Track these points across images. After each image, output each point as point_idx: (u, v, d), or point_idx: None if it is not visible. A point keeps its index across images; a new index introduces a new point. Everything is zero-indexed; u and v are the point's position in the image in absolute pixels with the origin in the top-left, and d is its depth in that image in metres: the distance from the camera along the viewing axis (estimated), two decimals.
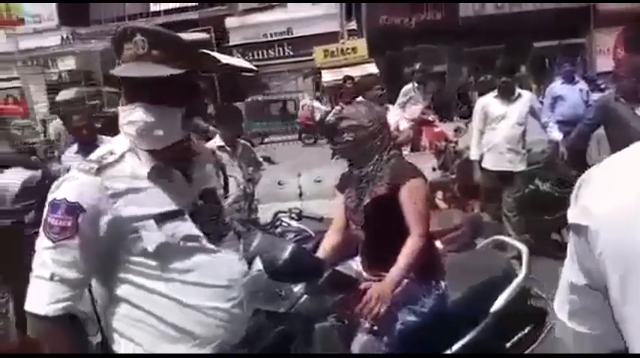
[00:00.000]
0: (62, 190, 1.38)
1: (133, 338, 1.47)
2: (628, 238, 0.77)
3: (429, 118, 7.52)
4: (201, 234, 1.48)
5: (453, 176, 5.77)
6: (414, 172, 2.36)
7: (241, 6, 21.72)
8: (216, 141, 4.26)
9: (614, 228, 0.80)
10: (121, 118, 1.45)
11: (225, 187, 3.34)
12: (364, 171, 2.39)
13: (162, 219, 1.42)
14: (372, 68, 15.45)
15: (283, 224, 3.52)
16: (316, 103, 18.21)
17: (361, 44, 18.30)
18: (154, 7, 23.00)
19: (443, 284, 2.38)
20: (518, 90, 4.95)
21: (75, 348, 1.42)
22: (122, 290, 1.45)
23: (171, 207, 1.45)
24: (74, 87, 20.57)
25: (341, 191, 2.56)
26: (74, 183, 1.39)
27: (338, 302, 2.17)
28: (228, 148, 4.18)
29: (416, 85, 7.68)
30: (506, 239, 2.82)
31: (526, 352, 2.44)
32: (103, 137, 4.04)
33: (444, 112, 10.17)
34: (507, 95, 4.86)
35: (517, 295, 2.45)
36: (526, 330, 2.47)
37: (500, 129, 4.84)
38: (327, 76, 17.90)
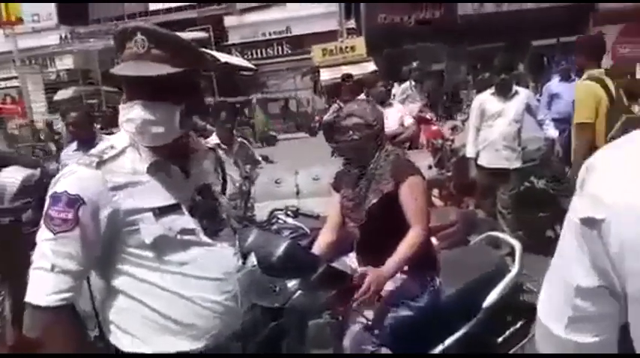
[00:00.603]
0: (63, 183, 1.41)
1: (129, 330, 1.49)
2: None
3: (427, 116, 7.55)
4: (197, 228, 1.51)
5: (449, 174, 5.79)
6: (413, 170, 2.40)
7: (240, 5, 21.74)
8: (213, 139, 4.28)
9: (633, 218, 0.71)
10: (121, 115, 1.49)
11: (224, 184, 3.35)
12: (364, 169, 2.42)
13: (160, 212, 1.45)
14: (371, 66, 15.47)
15: (279, 221, 3.54)
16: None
17: (360, 43, 18.30)
18: (153, 6, 23.04)
19: (437, 280, 2.41)
20: (515, 88, 4.98)
21: (75, 339, 1.44)
22: (120, 282, 1.49)
23: (170, 201, 1.48)
24: (72, 86, 20.59)
25: (337, 189, 2.59)
26: (75, 176, 1.41)
27: (332, 298, 2.20)
28: (224, 146, 4.21)
29: (413, 83, 7.71)
30: (500, 235, 2.85)
31: (517, 346, 2.47)
32: (102, 135, 4.06)
33: (437, 110, 10.19)
34: (504, 92, 4.88)
35: (509, 291, 2.48)
36: (518, 325, 2.50)
37: (496, 126, 4.86)
38: (326, 75, 17.91)
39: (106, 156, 1.45)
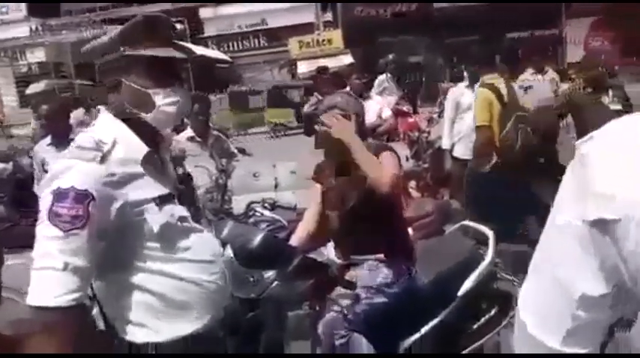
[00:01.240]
0: (67, 179, 1.37)
1: (141, 322, 1.50)
2: None
3: (404, 109, 7.60)
4: (188, 215, 1.56)
5: (426, 165, 5.85)
6: (388, 147, 2.52)
7: None
8: (187, 133, 4.25)
9: None
10: (158, 99, 1.52)
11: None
12: (347, 159, 2.44)
13: (160, 201, 1.48)
14: (348, 59, 15.49)
15: (256, 214, 3.54)
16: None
17: (337, 35, 18.31)
18: None
19: (413, 268, 2.45)
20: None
21: (88, 337, 1.44)
22: (130, 276, 1.48)
23: (165, 190, 1.51)
24: (44, 79, 20.16)
25: (318, 181, 2.60)
26: (80, 172, 1.39)
27: (309, 289, 2.22)
28: (199, 139, 4.18)
29: (389, 75, 7.75)
30: (473, 224, 2.90)
31: (492, 333, 2.52)
32: (78, 128, 3.99)
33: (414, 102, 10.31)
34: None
35: (483, 278, 2.53)
36: (492, 313, 2.55)
37: (470, 118, 4.92)
38: (303, 67, 17.87)
39: (105, 150, 1.43)
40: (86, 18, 21.14)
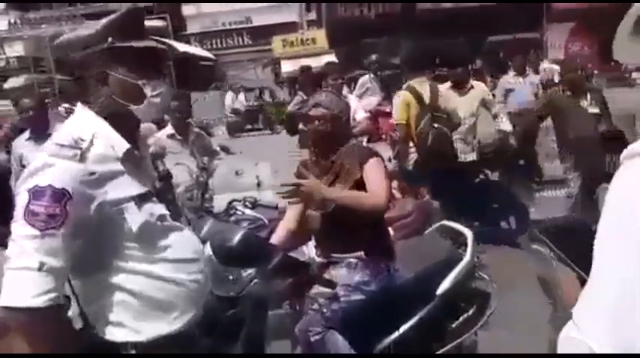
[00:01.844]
0: (44, 177, 1.35)
1: (122, 322, 1.48)
2: None
3: (386, 110, 7.61)
4: (167, 213, 1.54)
5: None
6: (373, 152, 2.52)
7: None
8: (167, 130, 4.21)
9: None
10: (148, 91, 1.52)
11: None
12: (331, 159, 2.46)
13: (139, 200, 1.47)
14: (332, 59, 15.48)
15: (238, 212, 3.53)
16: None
17: (320, 35, 18.33)
18: None
19: (392, 267, 2.47)
20: (471, 82, 5.10)
21: (66, 336, 1.41)
22: (109, 276, 1.46)
23: (143, 188, 1.50)
24: (23, 74, 19.80)
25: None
26: (58, 170, 1.36)
27: (288, 287, 2.22)
28: (180, 136, 4.15)
29: (372, 76, 7.76)
30: (453, 224, 2.92)
31: (470, 332, 2.55)
32: (56, 124, 3.94)
33: None
34: (460, 86, 5.00)
35: (462, 278, 2.55)
36: (470, 312, 2.57)
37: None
38: (287, 66, 17.86)
39: (84, 147, 1.40)
40: (66, 12, 20.81)
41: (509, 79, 7.33)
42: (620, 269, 0.71)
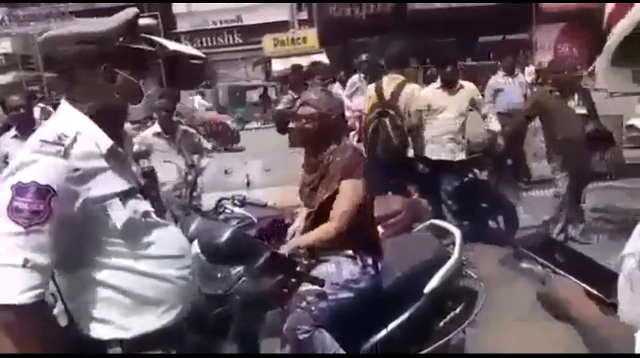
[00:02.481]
0: (28, 173, 1.34)
1: (107, 318, 1.47)
2: None
3: None
4: (152, 210, 1.54)
5: None
6: (357, 174, 2.41)
7: None
8: (154, 128, 4.19)
9: None
10: (145, 90, 1.55)
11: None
12: (319, 159, 2.45)
13: (124, 196, 1.46)
14: (322, 58, 15.50)
15: (226, 211, 3.52)
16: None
17: (311, 34, 18.33)
18: None
19: (380, 265, 2.47)
20: (460, 82, 5.12)
21: (51, 334, 1.39)
22: (93, 273, 1.45)
23: (128, 185, 1.49)
24: (11, 71, 19.62)
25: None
26: (42, 166, 1.35)
27: (276, 285, 2.21)
28: (167, 135, 4.12)
29: (362, 75, 7.77)
30: (441, 223, 2.94)
31: (457, 330, 2.56)
32: (42, 121, 3.91)
33: None
34: (450, 86, 5.03)
35: (450, 276, 2.56)
36: (457, 310, 2.59)
37: (441, 119, 5.00)
38: (278, 65, 17.84)
39: (67, 144, 1.40)
40: (54, 9, 20.64)
41: (498, 79, 7.37)
42: None
